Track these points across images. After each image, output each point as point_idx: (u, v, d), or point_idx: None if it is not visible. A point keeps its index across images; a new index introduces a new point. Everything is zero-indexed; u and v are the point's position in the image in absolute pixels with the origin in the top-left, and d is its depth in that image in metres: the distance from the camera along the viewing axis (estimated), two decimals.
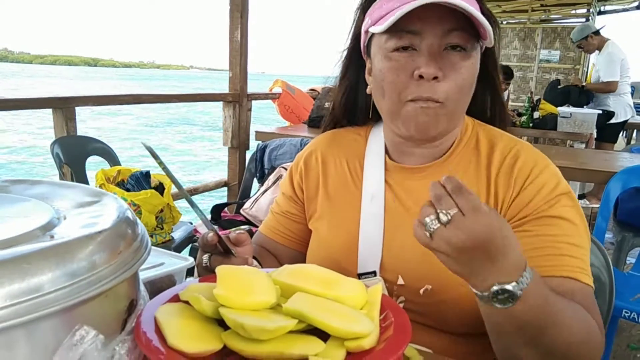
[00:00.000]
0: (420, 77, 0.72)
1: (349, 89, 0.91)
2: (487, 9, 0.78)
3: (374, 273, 0.82)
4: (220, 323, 0.54)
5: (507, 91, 4.89)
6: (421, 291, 0.80)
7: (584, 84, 4.61)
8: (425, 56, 0.72)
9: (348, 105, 0.93)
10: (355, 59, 0.88)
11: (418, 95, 0.73)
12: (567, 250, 0.73)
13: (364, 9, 0.83)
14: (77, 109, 2.50)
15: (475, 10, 0.68)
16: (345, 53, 0.90)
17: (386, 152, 0.88)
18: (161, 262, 0.81)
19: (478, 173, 0.81)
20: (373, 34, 0.78)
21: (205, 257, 0.75)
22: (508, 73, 4.84)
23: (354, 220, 0.87)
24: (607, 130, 4.48)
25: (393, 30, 0.73)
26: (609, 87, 4.40)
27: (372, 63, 0.81)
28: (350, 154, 0.92)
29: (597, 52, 4.62)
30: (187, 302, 0.58)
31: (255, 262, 0.79)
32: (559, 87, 4.83)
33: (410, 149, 0.84)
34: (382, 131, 0.89)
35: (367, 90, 0.85)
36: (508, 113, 0.91)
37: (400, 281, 0.82)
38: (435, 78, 0.71)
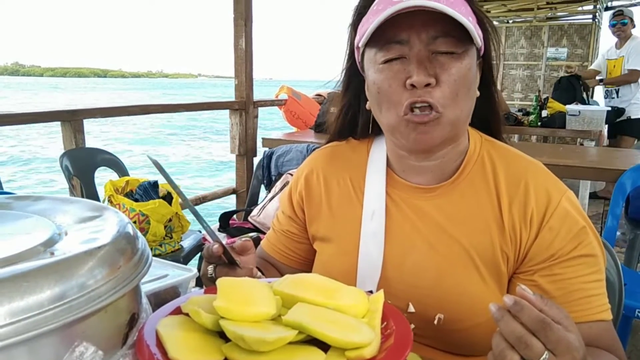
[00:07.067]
0: (413, 86, 0.69)
1: (349, 106, 0.89)
2: (479, 9, 0.76)
3: (370, 292, 0.81)
4: (222, 335, 0.54)
5: None
6: (435, 321, 0.77)
7: (602, 78, 4.45)
8: (415, 64, 0.69)
9: (349, 122, 0.91)
10: (354, 76, 0.86)
11: (413, 100, 0.70)
12: (595, 290, 0.73)
13: (354, 25, 0.81)
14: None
15: (456, 13, 0.66)
16: (344, 72, 0.88)
17: (390, 166, 0.86)
18: (165, 274, 0.81)
19: (490, 198, 0.78)
20: (365, 49, 0.76)
21: (210, 268, 0.75)
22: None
23: (355, 239, 0.84)
24: (634, 126, 4.39)
25: (382, 42, 0.72)
26: (632, 77, 4.28)
27: (366, 78, 0.79)
28: (353, 170, 0.89)
29: (617, 41, 4.50)
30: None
31: (259, 273, 0.79)
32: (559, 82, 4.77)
33: (413, 163, 0.81)
34: (384, 144, 0.86)
35: (367, 106, 0.82)
36: (502, 118, 0.87)
37: (411, 309, 0.79)
38: (427, 85, 0.69)
